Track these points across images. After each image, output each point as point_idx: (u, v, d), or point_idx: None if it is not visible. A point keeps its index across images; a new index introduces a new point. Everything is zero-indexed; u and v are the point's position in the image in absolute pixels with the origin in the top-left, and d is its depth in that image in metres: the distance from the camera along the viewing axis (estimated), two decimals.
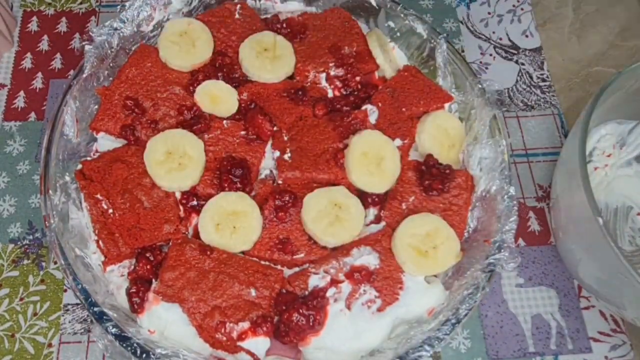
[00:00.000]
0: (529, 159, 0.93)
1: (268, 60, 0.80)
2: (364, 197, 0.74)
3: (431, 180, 0.74)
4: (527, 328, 0.81)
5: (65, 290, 0.82)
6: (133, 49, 0.82)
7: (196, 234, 0.71)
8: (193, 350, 0.66)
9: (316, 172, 0.73)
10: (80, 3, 1.04)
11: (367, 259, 0.70)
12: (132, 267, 0.70)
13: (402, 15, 0.84)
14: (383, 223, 0.73)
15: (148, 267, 0.70)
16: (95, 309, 0.64)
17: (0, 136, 0.92)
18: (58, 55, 0.99)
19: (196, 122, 0.76)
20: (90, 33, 0.78)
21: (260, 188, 0.74)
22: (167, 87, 0.78)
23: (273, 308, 0.67)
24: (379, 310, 0.68)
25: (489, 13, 1.06)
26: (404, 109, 0.79)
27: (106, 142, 0.78)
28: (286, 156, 0.75)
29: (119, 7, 0.82)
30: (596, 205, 0.68)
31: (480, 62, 1.01)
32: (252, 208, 0.71)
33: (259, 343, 0.66)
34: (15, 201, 0.88)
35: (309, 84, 0.81)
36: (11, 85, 0.97)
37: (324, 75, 0.81)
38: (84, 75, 0.77)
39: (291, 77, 0.81)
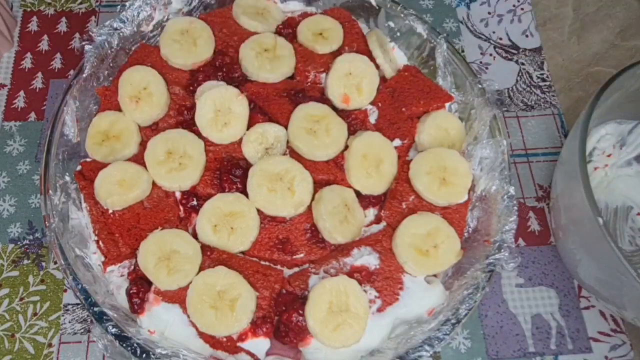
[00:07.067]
0: (529, 159, 0.93)
1: (267, 60, 0.80)
2: (363, 198, 0.74)
3: None
4: (527, 328, 0.82)
5: (65, 290, 0.82)
6: (133, 49, 0.82)
7: (196, 234, 0.71)
8: (193, 351, 0.66)
9: (315, 172, 0.73)
10: (80, 3, 1.04)
11: (367, 259, 0.70)
12: (132, 267, 0.70)
13: (402, 15, 0.84)
14: (383, 223, 0.73)
15: None
16: (95, 309, 0.64)
17: (0, 136, 0.92)
18: (58, 55, 0.99)
19: (196, 122, 0.76)
20: (90, 33, 0.78)
21: None
22: (167, 87, 0.78)
23: (273, 308, 0.67)
24: (379, 310, 0.68)
25: (489, 13, 1.06)
26: (404, 109, 0.79)
27: None
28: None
29: (119, 7, 0.82)
30: (596, 205, 0.68)
31: (480, 62, 1.01)
32: (248, 208, 0.71)
33: (259, 343, 0.66)
34: (15, 201, 0.88)
35: (309, 84, 0.81)
36: (11, 85, 0.97)
37: (324, 75, 0.81)
38: (84, 75, 0.77)
39: (291, 77, 0.81)
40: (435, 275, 0.71)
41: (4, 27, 0.97)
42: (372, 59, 0.82)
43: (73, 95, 0.76)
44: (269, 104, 0.78)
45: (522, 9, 1.06)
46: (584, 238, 0.74)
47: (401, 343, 0.66)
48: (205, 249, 0.69)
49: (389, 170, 0.75)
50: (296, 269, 0.71)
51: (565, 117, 0.97)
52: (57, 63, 0.99)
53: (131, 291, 0.68)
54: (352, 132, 0.77)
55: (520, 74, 1.00)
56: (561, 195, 0.79)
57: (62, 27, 1.02)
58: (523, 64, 1.01)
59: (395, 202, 0.73)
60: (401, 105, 0.79)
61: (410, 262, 0.69)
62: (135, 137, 0.75)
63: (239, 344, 0.66)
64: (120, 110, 0.77)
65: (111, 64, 0.80)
